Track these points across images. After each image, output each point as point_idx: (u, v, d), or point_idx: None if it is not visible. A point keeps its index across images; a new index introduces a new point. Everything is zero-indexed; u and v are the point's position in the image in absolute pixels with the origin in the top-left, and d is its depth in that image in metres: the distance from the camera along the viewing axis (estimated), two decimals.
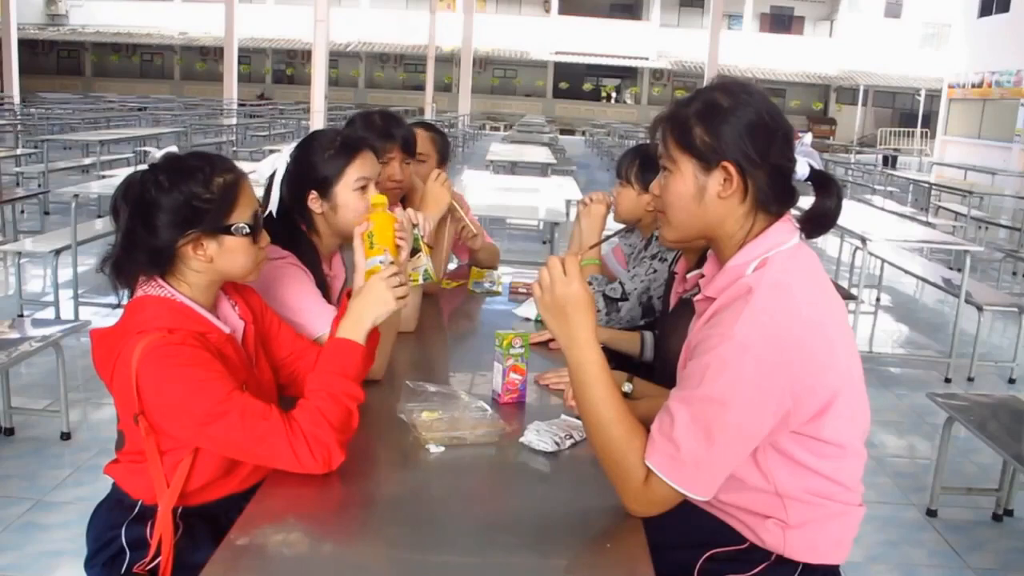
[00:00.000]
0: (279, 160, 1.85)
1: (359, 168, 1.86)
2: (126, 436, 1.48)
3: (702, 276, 1.93)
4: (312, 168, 1.86)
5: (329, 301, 1.91)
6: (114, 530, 1.50)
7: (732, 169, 1.29)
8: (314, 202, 1.87)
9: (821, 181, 1.33)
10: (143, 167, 1.45)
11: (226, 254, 1.45)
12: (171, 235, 1.40)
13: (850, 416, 1.31)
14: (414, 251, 1.97)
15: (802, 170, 1.31)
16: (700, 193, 1.32)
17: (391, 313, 1.53)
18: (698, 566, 1.41)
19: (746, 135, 1.28)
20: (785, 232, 1.32)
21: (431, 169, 2.56)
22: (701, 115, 1.30)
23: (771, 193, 1.31)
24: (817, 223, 1.34)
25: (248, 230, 1.46)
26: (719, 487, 1.32)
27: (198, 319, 1.45)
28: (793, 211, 1.36)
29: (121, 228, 1.43)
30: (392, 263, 1.61)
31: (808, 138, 1.33)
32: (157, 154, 1.46)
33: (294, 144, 1.92)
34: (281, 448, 1.34)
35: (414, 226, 1.91)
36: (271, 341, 1.64)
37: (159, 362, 1.33)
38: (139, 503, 1.49)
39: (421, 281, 1.99)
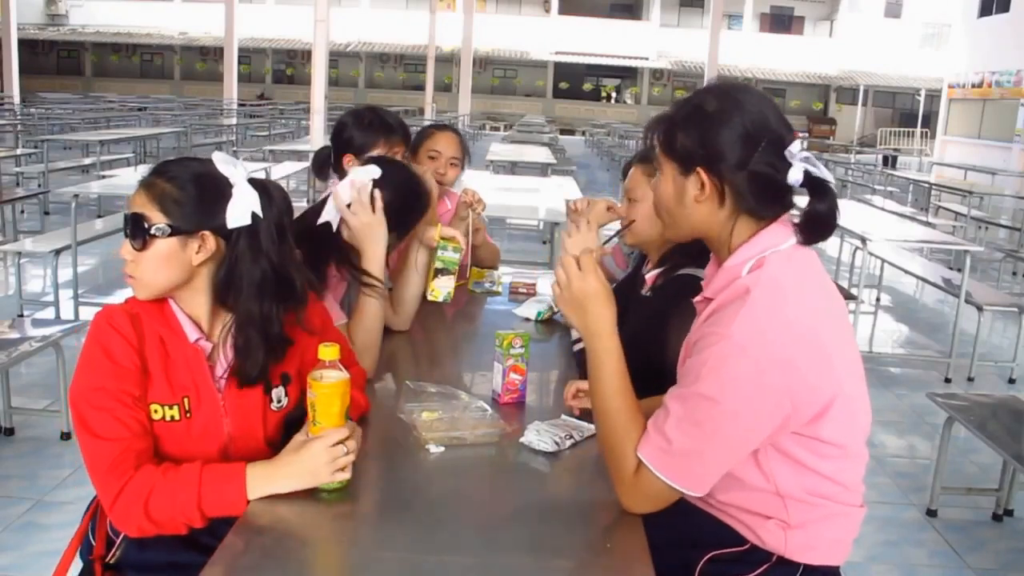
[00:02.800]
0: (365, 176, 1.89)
1: None
2: None
3: (656, 277, 1.95)
4: (399, 223, 1.96)
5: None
6: (90, 524, 1.52)
7: (704, 175, 1.31)
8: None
9: (815, 186, 1.31)
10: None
11: None
12: None
13: (850, 417, 1.31)
14: (445, 271, 2.04)
15: (795, 177, 1.29)
16: (680, 196, 1.35)
17: (316, 485, 1.33)
18: (699, 567, 1.41)
19: (725, 142, 1.28)
20: (781, 234, 1.31)
21: (459, 173, 2.65)
22: (685, 119, 1.33)
23: (754, 199, 1.30)
24: (810, 229, 1.31)
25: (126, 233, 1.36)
26: (717, 486, 1.33)
27: (168, 319, 1.40)
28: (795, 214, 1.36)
29: None
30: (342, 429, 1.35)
31: (796, 146, 1.29)
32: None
33: (370, 166, 1.94)
34: (96, 468, 1.30)
35: (452, 243, 1.98)
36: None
37: (91, 330, 1.36)
38: None
39: (440, 300, 2.14)
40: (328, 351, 1.36)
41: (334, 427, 1.33)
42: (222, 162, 1.39)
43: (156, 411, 1.38)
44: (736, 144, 1.28)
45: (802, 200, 1.35)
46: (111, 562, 1.47)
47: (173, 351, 1.40)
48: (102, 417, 1.31)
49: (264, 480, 1.31)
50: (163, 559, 1.43)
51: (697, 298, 1.40)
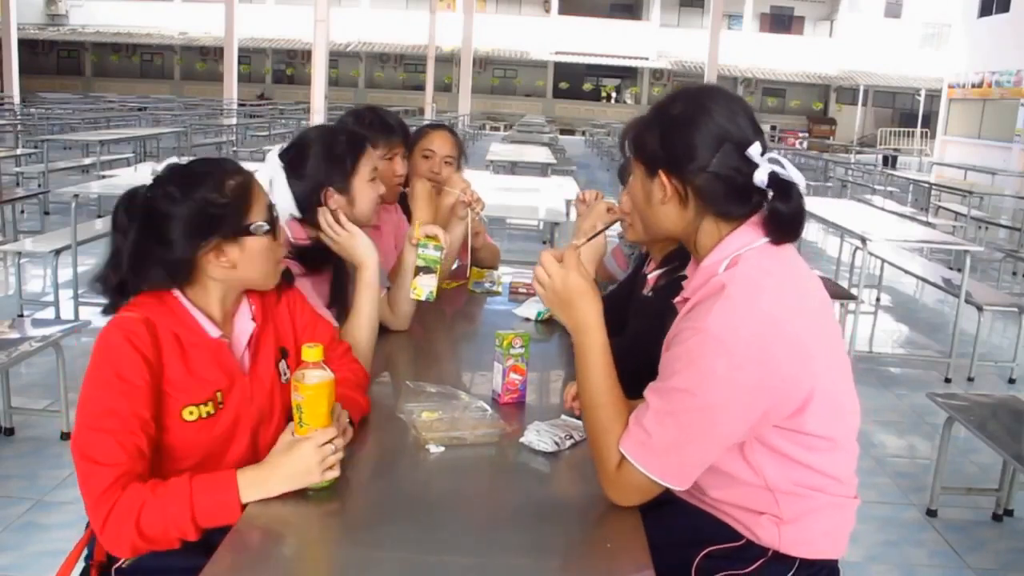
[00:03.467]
0: (271, 169, 1.87)
1: (370, 159, 1.95)
2: None
3: (658, 277, 1.96)
4: (323, 167, 1.89)
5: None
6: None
7: (664, 177, 1.33)
8: (330, 199, 1.90)
9: (779, 186, 1.30)
10: (144, 182, 1.42)
11: (248, 257, 1.43)
12: (190, 246, 1.38)
13: (834, 410, 1.32)
14: (427, 270, 2.02)
15: (760, 177, 1.29)
16: (648, 197, 1.38)
17: (307, 485, 1.33)
18: (695, 563, 1.42)
19: (683, 145, 1.30)
20: (754, 233, 1.32)
21: (454, 171, 2.62)
22: (651, 123, 1.36)
23: (716, 200, 1.32)
24: (773, 228, 1.31)
25: (268, 227, 1.44)
26: (708, 483, 1.34)
27: (182, 318, 1.41)
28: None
29: (130, 246, 1.38)
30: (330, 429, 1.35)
31: (755, 148, 1.29)
32: (158, 167, 1.44)
33: (276, 150, 1.94)
34: (90, 493, 1.27)
35: (433, 241, 1.96)
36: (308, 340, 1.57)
37: (103, 343, 1.34)
38: None
39: (423, 299, 2.08)
40: (312, 352, 1.35)
41: (321, 428, 1.34)
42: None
43: (191, 413, 1.40)
44: (695, 147, 1.30)
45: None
46: (123, 566, 1.44)
47: (193, 348, 1.42)
48: (104, 441, 1.28)
49: (255, 484, 1.30)
50: (179, 564, 1.41)
51: (676, 298, 1.41)
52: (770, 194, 1.30)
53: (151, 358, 1.35)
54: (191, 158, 1.48)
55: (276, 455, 1.34)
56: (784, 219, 1.30)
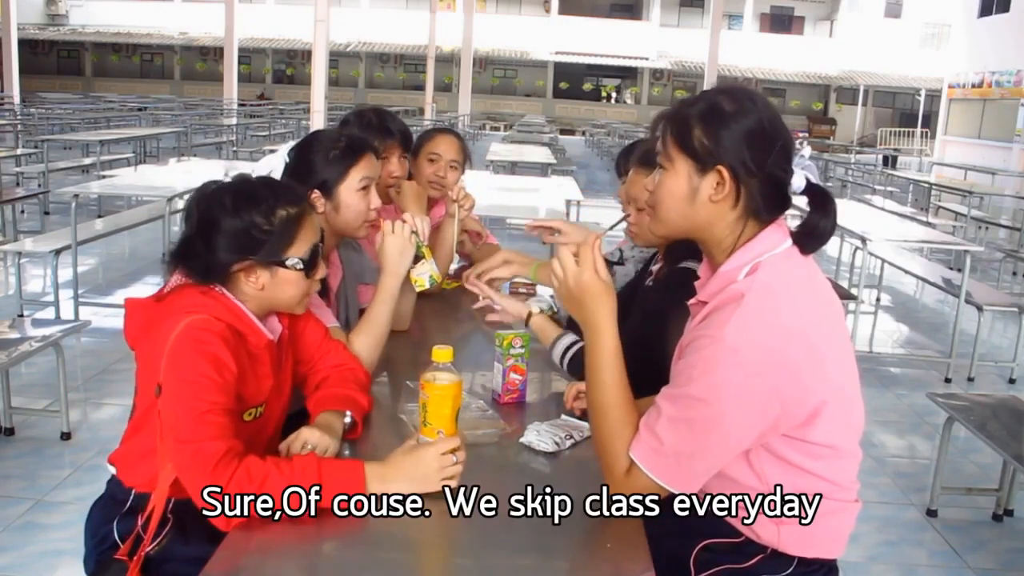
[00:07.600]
0: (275, 160, 1.87)
1: (362, 169, 1.91)
2: (138, 410, 1.50)
3: (660, 270, 1.95)
4: (315, 168, 1.88)
5: (327, 297, 1.92)
6: (107, 525, 1.51)
7: (726, 174, 1.29)
8: (316, 201, 1.88)
9: (817, 196, 1.31)
10: (217, 181, 1.49)
11: (278, 285, 1.48)
12: (226, 258, 1.44)
13: (842, 420, 1.32)
14: (417, 258, 1.98)
15: (798, 183, 1.29)
16: (692, 194, 1.33)
17: (424, 491, 1.33)
18: (693, 556, 1.42)
19: (745, 142, 1.28)
20: (777, 238, 1.31)
21: (459, 176, 2.61)
22: (703, 117, 1.31)
23: (763, 201, 1.31)
24: (808, 239, 1.32)
25: (302, 265, 1.48)
26: (711, 484, 1.33)
27: (243, 319, 1.47)
28: (789, 221, 1.36)
29: (185, 234, 1.47)
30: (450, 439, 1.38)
31: (807, 151, 1.30)
32: (231, 173, 1.53)
33: (291, 144, 1.94)
34: (203, 466, 1.28)
35: (414, 232, 1.93)
36: (299, 339, 1.65)
37: (194, 341, 1.35)
38: (131, 494, 1.50)
39: (428, 287, 2.01)
40: (442, 353, 1.39)
41: (445, 430, 1.37)
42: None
43: (250, 415, 1.46)
44: (756, 145, 1.28)
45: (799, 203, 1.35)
46: (151, 553, 1.44)
47: (256, 351, 1.47)
48: (213, 424, 1.31)
49: (379, 479, 1.32)
50: (191, 553, 1.39)
51: (692, 300, 1.41)
52: (797, 198, 1.30)
53: (232, 361, 1.39)
54: (243, 175, 1.54)
55: (399, 455, 1.36)
56: (821, 233, 1.31)
